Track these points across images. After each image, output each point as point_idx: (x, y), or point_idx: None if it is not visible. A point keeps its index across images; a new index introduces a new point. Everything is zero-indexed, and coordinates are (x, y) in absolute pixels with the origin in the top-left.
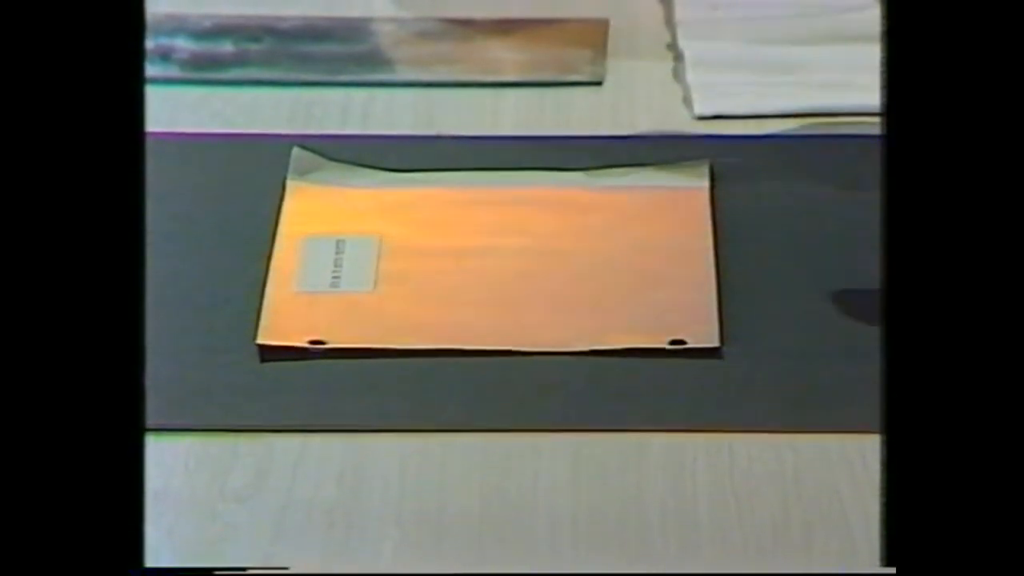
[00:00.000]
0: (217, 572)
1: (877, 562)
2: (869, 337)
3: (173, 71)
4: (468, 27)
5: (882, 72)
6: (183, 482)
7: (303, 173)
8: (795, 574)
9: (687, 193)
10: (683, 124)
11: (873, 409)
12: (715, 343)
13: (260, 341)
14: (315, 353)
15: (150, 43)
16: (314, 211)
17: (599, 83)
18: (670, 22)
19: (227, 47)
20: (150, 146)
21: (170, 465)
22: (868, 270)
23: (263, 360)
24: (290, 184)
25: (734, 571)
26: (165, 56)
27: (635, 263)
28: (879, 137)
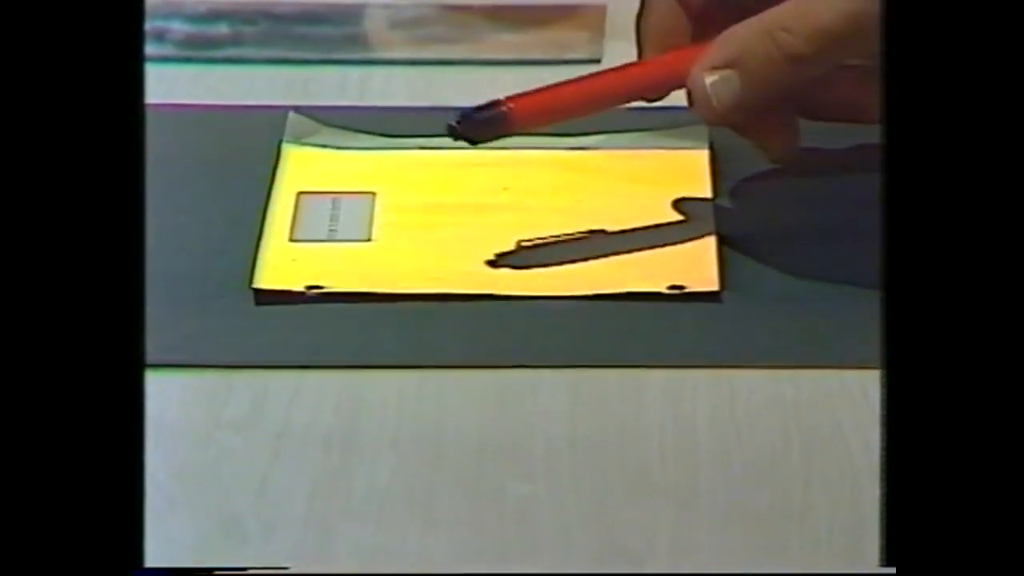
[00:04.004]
0: (218, 572)
1: (876, 483)
2: (872, 283)
3: (168, 50)
4: (464, 12)
5: (882, 38)
6: (178, 413)
7: (299, 137)
8: (794, 574)
9: (686, 154)
10: (682, 97)
11: (874, 348)
12: (714, 287)
13: (256, 286)
14: (312, 297)
15: (145, 26)
16: (310, 173)
17: (597, 61)
18: None
19: (222, 29)
20: (148, 117)
21: (164, 398)
22: (869, 225)
23: (259, 304)
24: (286, 147)
25: (735, 495)
26: (160, 37)
27: (633, 216)
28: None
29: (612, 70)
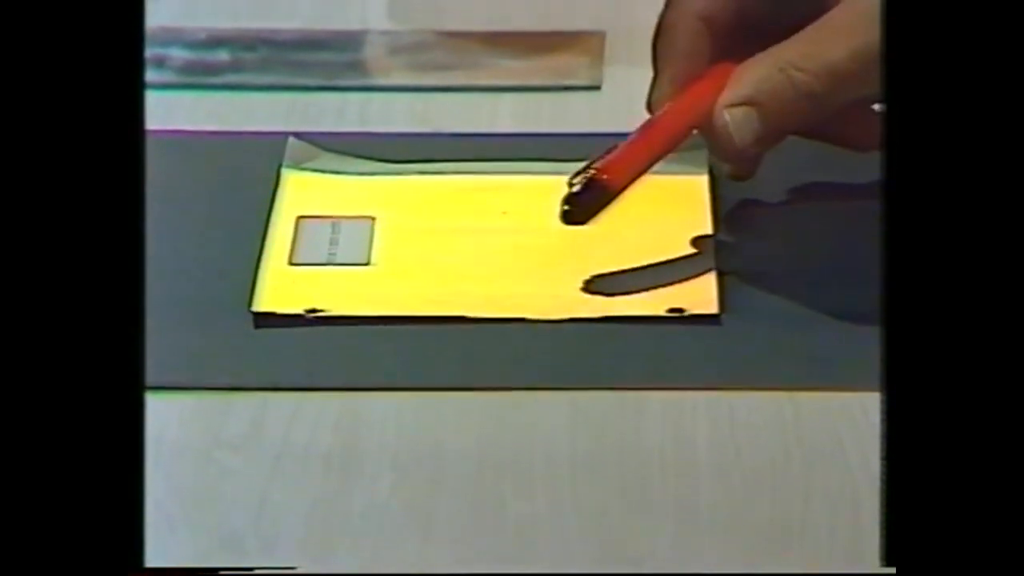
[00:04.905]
0: (222, 572)
1: (876, 501)
2: (870, 306)
3: (168, 76)
4: (464, 38)
5: (882, 65)
6: (178, 433)
7: (299, 162)
8: (794, 574)
9: (685, 179)
10: None
11: (874, 372)
12: (714, 310)
13: (255, 309)
14: (311, 321)
15: (146, 53)
16: (310, 197)
17: (597, 87)
18: None
19: (222, 55)
20: (148, 143)
21: (163, 418)
22: (868, 248)
23: (258, 327)
24: (285, 172)
25: (735, 513)
26: (160, 63)
27: (632, 240)
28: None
29: (672, 108)
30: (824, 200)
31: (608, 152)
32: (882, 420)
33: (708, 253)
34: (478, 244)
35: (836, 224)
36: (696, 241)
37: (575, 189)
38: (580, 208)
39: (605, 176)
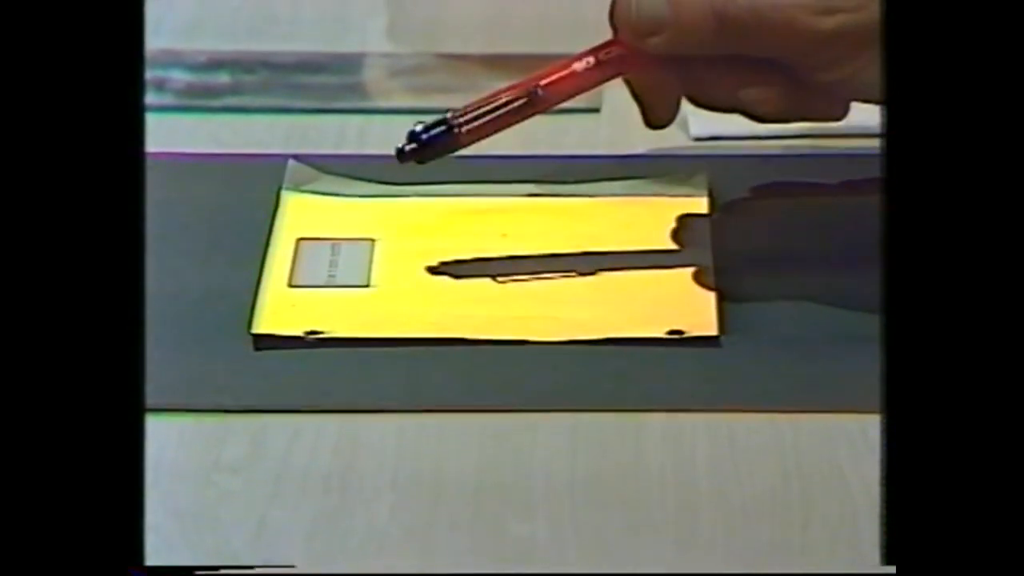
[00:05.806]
0: (224, 571)
1: (876, 525)
2: (870, 327)
3: (168, 99)
4: (463, 61)
5: (883, 78)
6: (177, 455)
7: (299, 184)
8: (795, 574)
9: (684, 201)
10: (680, 146)
11: (875, 394)
12: (713, 332)
13: (255, 331)
14: (311, 343)
15: (146, 75)
16: (310, 219)
17: (596, 110)
18: None
19: (223, 78)
20: (148, 166)
21: (162, 440)
22: (869, 270)
23: (257, 349)
24: (285, 195)
25: (734, 535)
26: (160, 86)
27: (632, 262)
28: (877, 154)
29: (543, 73)
30: (820, 201)
31: (470, 106)
32: (882, 443)
33: (707, 274)
34: None
35: (836, 246)
36: (695, 262)
37: (419, 128)
38: (418, 148)
39: (459, 119)
